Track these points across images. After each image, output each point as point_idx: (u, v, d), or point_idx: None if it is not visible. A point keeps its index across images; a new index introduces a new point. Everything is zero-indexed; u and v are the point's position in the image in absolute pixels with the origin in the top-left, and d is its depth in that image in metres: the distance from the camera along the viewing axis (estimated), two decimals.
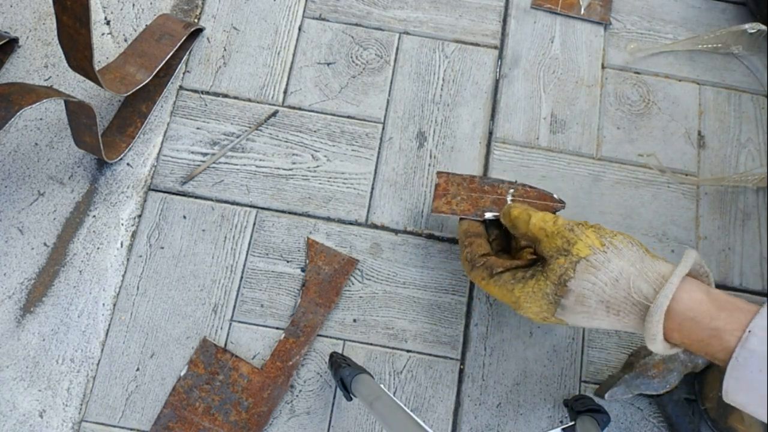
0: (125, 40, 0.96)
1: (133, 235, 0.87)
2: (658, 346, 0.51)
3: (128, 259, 0.85)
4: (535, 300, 0.56)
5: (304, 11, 0.98)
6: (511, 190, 0.74)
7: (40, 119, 0.91)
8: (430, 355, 0.83)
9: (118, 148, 0.89)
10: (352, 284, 0.85)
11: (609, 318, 0.53)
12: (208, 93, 0.94)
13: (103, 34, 0.96)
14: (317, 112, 0.93)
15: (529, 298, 0.57)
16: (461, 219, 0.75)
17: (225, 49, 0.96)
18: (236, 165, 0.90)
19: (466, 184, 0.76)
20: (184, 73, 0.95)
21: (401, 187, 0.90)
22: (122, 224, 0.87)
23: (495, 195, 0.74)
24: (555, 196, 0.73)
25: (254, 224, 0.87)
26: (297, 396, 0.81)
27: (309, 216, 0.88)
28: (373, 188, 0.90)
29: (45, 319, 0.82)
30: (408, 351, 0.83)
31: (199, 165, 0.90)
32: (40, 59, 0.94)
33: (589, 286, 0.52)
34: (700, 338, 0.48)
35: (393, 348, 0.83)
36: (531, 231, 0.59)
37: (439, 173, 0.79)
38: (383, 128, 0.93)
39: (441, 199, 0.77)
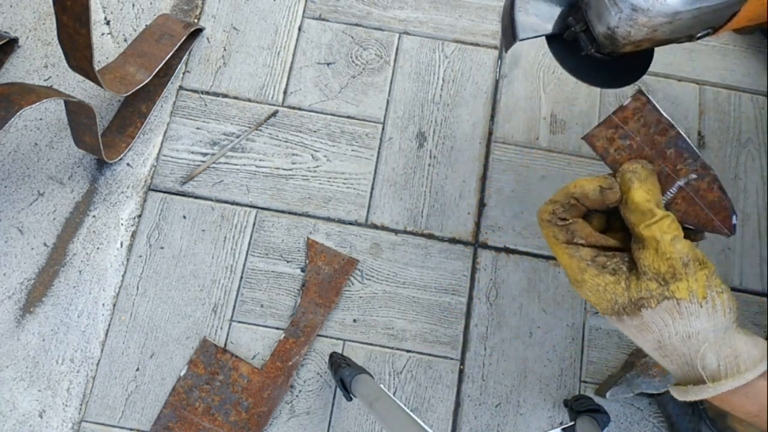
0: (125, 40, 0.96)
1: (133, 235, 0.87)
2: (685, 399, 0.48)
3: (128, 259, 0.85)
4: (600, 298, 0.50)
5: (304, 11, 0.98)
6: (692, 176, 0.54)
7: (40, 119, 0.91)
8: (430, 355, 0.83)
9: (117, 148, 0.89)
10: (352, 284, 0.85)
11: (654, 353, 0.50)
12: (208, 93, 0.94)
13: (103, 34, 0.96)
14: (317, 112, 0.93)
15: (595, 292, 0.50)
16: (583, 178, 0.55)
17: (225, 49, 0.96)
18: (236, 165, 0.90)
19: (652, 131, 0.55)
20: (184, 73, 0.95)
21: (401, 187, 0.90)
22: (122, 224, 0.87)
23: (668, 168, 0.54)
24: (734, 219, 0.52)
25: (254, 224, 0.87)
26: (297, 396, 0.81)
27: (309, 216, 0.88)
28: (372, 188, 0.90)
29: (45, 319, 0.82)
30: (408, 351, 0.83)
31: (199, 165, 0.90)
32: (40, 59, 0.94)
33: (660, 325, 0.48)
34: (747, 411, 0.45)
35: (393, 348, 0.83)
36: (643, 232, 0.49)
37: (638, 94, 0.55)
38: (383, 128, 0.93)
39: (608, 129, 0.56)
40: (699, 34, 0.54)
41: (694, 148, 0.54)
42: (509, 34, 0.61)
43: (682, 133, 0.55)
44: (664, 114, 0.55)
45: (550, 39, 0.62)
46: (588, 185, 0.51)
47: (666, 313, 0.47)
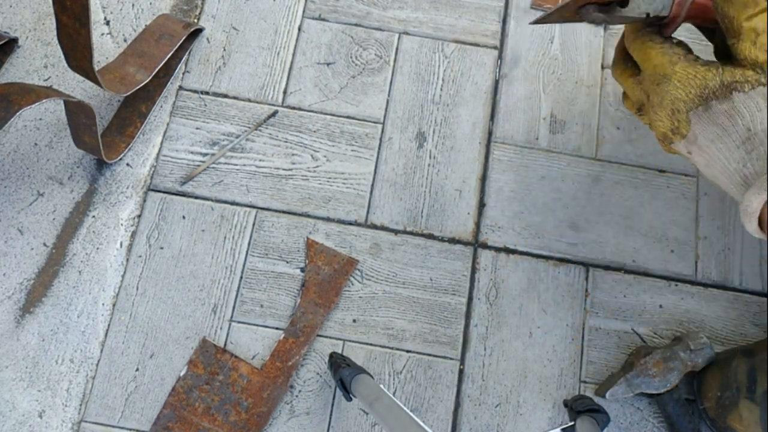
0: (125, 40, 0.96)
1: (133, 235, 0.87)
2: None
3: (128, 260, 0.85)
4: (690, 85, 0.50)
5: (303, 11, 0.98)
6: None
7: (40, 119, 0.91)
8: (430, 355, 0.83)
9: (117, 149, 0.89)
10: (352, 284, 0.85)
11: (735, 151, 0.49)
12: (207, 93, 0.94)
13: (102, 34, 0.96)
14: (317, 112, 0.93)
15: (685, 80, 0.51)
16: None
17: (225, 49, 0.96)
18: (236, 165, 0.90)
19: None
20: (183, 74, 0.95)
21: (401, 187, 0.90)
22: (122, 224, 0.87)
23: None
24: None
25: (254, 224, 0.87)
26: (297, 396, 0.81)
27: (309, 216, 0.88)
28: (372, 188, 0.90)
29: (44, 319, 0.82)
30: (408, 351, 0.83)
31: (198, 165, 0.90)
32: (40, 59, 0.94)
33: (753, 109, 0.48)
34: None
35: (393, 348, 0.83)
36: (743, 24, 0.50)
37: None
38: (383, 128, 0.93)
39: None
40: None
41: None
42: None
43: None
44: None
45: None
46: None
47: (760, 98, 0.48)
